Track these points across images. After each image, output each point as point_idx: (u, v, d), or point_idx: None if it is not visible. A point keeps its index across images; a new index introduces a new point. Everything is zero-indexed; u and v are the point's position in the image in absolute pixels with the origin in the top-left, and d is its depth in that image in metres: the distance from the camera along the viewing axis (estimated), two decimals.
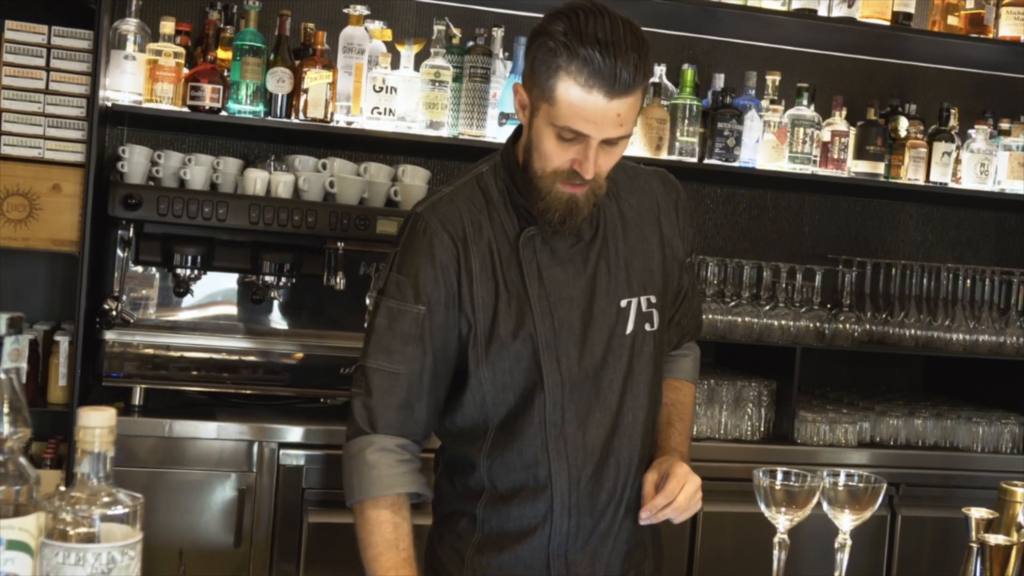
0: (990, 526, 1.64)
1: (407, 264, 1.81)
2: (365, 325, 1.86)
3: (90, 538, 1.10)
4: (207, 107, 3.01)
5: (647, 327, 1.83)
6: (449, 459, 1.92)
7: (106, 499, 1.12)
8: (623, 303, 1.81)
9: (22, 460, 1.14)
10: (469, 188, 1.84)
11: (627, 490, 1.85)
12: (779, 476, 1.59)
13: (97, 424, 1.12)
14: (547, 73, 1.68)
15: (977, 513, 1.64)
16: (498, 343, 1.77)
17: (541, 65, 1.69)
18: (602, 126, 1.67)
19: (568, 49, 1.65)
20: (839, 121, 3.47)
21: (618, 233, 1.86)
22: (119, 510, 1.12)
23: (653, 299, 1.85)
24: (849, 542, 1.61)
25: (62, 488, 1.13)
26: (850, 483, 1.62)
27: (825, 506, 1.61)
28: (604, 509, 1.83)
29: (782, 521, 1.58)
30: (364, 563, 1.76)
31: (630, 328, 1.81)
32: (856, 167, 3.49)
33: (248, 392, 3.01)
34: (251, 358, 2.95)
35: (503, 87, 3.19)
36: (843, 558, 1.60)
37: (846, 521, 1.61)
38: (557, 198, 1.74)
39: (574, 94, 1.65)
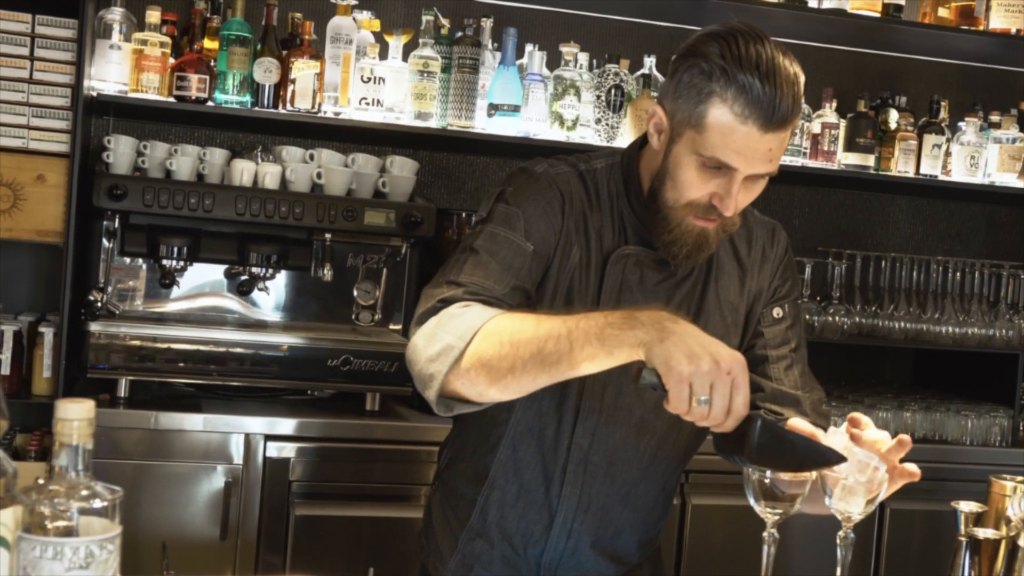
0: (979, 520, 1.63)
1: (520, 200, 1.67)
2: (450, 261, 1.69)
3: (68, 532, 1.09)
4: (193, 97, 2.99)
5: None
6: (466, 437, 1.84)
7: (84, 492, 1.10)
8: None
9: None
10: (581, 178, 1.72)
11: (638, 529, 1.80)
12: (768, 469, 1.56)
13: (75, 416, 1.10)
14: (698, 98, 1.55)
15: (966, 507, 1.63)
16: None
17: (690, 88, 1.56)
18: (752, 160, 1.55)
19: (725, 74, 1.52)
20: (829, 113, 3.46)
21: (711, 279, 1.75)
22: (97, 503, 1.10)
23: None
24: (852, 536, 1.56)
25: (40, 481, 1.12)
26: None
27: (827, 500, 1.54)
28: (609, 541, 1.79)
29: (771, 515, 1.55)
30: (525, 359, 1.46)
31: None
32: (846, 159, 3.48)
33: (235, 384, 2.98)
34: (238, 350, 2.92)
35: (492, 78, 3.18)
36: (846, 554, 1.56)
37: (855, 509, 1.53)
38: (687, 231, 1.62)
39: (727, 123, 1.53)
